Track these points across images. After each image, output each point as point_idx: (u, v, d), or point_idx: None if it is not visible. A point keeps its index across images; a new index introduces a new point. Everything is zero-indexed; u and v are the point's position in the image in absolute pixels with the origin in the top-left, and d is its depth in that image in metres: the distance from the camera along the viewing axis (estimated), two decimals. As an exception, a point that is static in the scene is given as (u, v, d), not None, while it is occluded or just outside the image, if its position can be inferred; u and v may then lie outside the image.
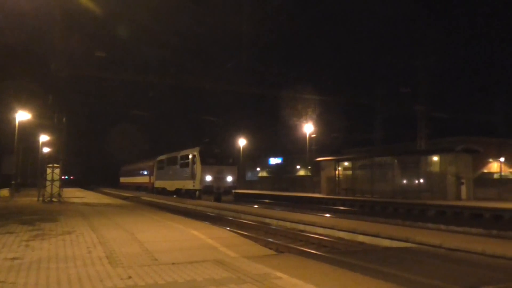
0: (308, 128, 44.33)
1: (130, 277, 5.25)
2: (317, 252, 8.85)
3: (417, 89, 34.61)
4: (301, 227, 13.38)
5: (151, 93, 40.14)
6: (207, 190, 27.10)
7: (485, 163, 49.70)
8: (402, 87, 34.28)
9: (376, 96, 41.08)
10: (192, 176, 28.21)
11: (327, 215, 17.60)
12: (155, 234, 9.41)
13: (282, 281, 5.01)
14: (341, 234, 11.52)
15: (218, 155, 28.33)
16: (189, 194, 29.33)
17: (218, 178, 27.30)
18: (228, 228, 11.82)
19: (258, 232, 12.91)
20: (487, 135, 49.04)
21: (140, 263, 6.16)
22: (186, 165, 29.72)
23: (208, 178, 27.12)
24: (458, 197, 25.02)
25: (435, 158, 27.05)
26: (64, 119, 22.81)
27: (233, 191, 28.57)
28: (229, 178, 27.97)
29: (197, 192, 27.82)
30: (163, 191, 35.98)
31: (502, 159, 48.53)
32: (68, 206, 19.19)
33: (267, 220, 15.38)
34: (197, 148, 28.43)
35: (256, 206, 24.32)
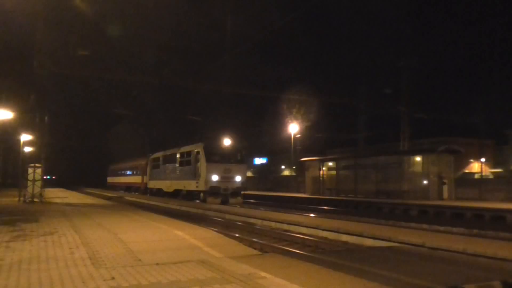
0: (293, 128, 44.48)
1: (113, 278, 5.20)
2: (302, 252, 8.88)
3: (401, 90, 34.98)
4: (286, 227, 13.41)
5: (135, 92, 39.61)
6: (213, 192, 23.87)
7: (466, 163, 50.53)
8: (385, 88, 34.63)
9: (360, 96, 41.41)
10: (195, 176, 24.93)
11: (312, 215, 17.68)
12: (139, 235, 9.34)
13: (266, 281, 5.02)
14: (325, 234, 11.58)
15: (225, 152, 25.04)
16: (191, 196, 26.21)
17: (226, 177, 24.26)
18: (212, 228, 11.79)
19: (243, 232, 12.90)
20: (468, 136, 49.84)
21: (123, 263, 6.11)
22: (188, 163, 26.50)
23: (214, 177, 23.90)
24: (440, 197, 25.37)
25: (418, 159, 27.39)
26: (46, 118, 22.47)
27: (242, 192, 25.35)
28: (238, 178, 24.73)
29: (201, 194, 24.61)
30: (158, 192, 32.77)
31: (482, 160, 49.40)
32: (50, 206, 18.91)
33: (252, 220, 15.38)
34: (201, 144, 25.13)
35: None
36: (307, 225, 12.61)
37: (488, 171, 50.26)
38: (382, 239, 9.70)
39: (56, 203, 21.10)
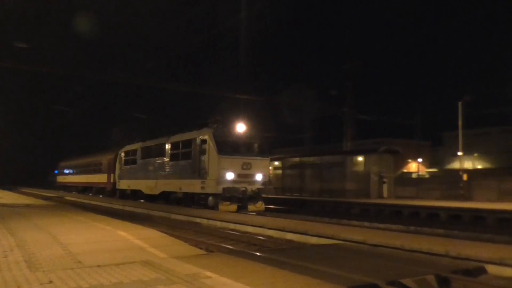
0: (240, 128, 44.52)
1: (51, 281, 4.97)
2: (247, 251, 8.92)
3: (345, 92, 36.00)
4: (231, 226, 13.42)
5: (77, 89, 37.89)
6: (228, 195, 17.87)
7: (404, 163, 52.90)
8: (331, 90, 35.52)
9: (306, 97, 42.23)
10: (199, 173, 18.77)
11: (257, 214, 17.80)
12: (80, 236, 9.00)
13: (212, 281, 5.00)
14: (271, 233, 11.70)
15: (242, 140, 19.20)
16: (190, 200, 20.13)
17: (244, 175, 18.37)
18: (157, 229, 11.58)
19: (188, 232, 12.77)
20: (406, 138, 52.22)
21: (62, 266, 5.86)
22: (186, 156, 20.11)
23: (229, 176, 17.91)
24: (381, 196, 26.41)
25: (360, 158, 28.35)
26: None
27: (262, 195, 19.26)
28: (259, 176, 18.83)
29: (210, 198, 18.57)
30: (133, 195, 26.22)
31: (419, 160, 51.93)
32: (-18, 207, 17.79)
33: (198, 220, 15.26)
34: (208, 130, 18.89)
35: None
36: (253, 224, 12.68)
37: (424, 171, 52.87)
38: (326, 237, 9.94)
39: (-11, 204, 19.88)
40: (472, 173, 30.65)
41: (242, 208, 18.18)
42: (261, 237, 11.27)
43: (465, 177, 25.96)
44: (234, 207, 17.80)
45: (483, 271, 6.65)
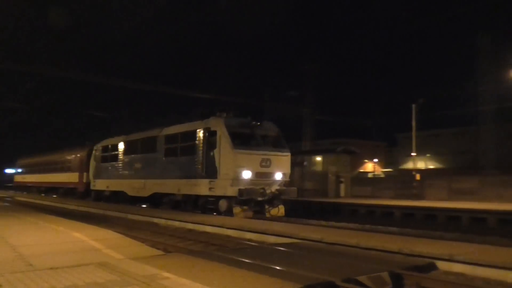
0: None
1: (0, 285, 4.76)
2: (206, 251, 8.87)
3: (304, 93, 36.45)
4: (190, 226, 13.31)
5: (30, 85, 36.20)
6: (246, 198, 14.89)
7: (361, 163, 54.13)
8: (290, 91, 35.87)
9: (266, 98, 42.45)
10: (207, 172, 15.73)
11: (216, 214, 17.73)
12: (31, 237, 8.67)
13: (169, 281, 4.94)
14: (230, 232, 11.69)
15: (259, 132, 16.27)
16: (195, 204, 16.91)
17: (263, 174, 15.48)
18: (114, 229, 11.32)
19: (146, 233, 12.56)
20: (363, 138, 53.49)
21: (12, 269, 5.62)
22: (188, 151, 17.02)
23: (246, 174, 15.01)
24: (338, 195, 26.97)
25: (318, 158, 28.86)
26: None
27: (282, 197, 16.00)
28: (278, 175, 15.86)
29: (223, 202, 15.37)
30: (114, 197, 22.85)
31: (375, 160, 53.39)
32: None
33: (156, 220, 15.04)
34: (219, 119, 15.97)
35: (144, 205, 23.23)
36: (212, 224, 12.64)
37: (380, 171, 54.37)
38: (285, 236, 10.04)
39: None
40: (425, 173, 31.82)
41: (259, 213, 15.39)
42: (220, 237, 11.24)
43: (417, 177, 26.94)
44: (250, 213, 15.07)
45: (433, 267, 6.91)
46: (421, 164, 41.87)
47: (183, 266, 5.89)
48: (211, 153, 15.66)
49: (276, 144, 16.40)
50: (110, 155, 23.59)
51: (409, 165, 40.39)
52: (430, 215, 18.49)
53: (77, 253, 6.96)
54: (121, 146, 22.46)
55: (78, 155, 29.03)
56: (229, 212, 15.08)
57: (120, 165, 22.25)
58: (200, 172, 16.02)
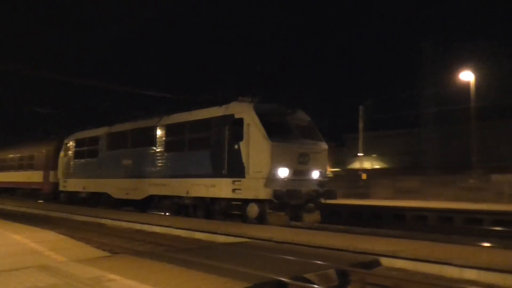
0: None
1: None
2: (154, 251, 8.72)
3: (255, 94, 36.55)
4: (138, 226, 13.04)
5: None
6: (288, 200, 12.17)
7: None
8: (242, 92, 35.81)
9: (218, 99, 42.22)
10: (230, 169, 13.02)
11: (164, 213, 17.45)
12: (-35, 241, 8.17)
13: (115, 283, 4.81)
14: (178, 232, 11.56)
15: (292, 121, 13.61)
16: (208, 209, 14.08)
17: (301, 172, 12.92)
18: (56, 231, 10.88)
19: (91, 234, 12.17)
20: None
21: None
22: (201, 144, 14.19)
23: (283, 172, 12.40)
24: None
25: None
26: None
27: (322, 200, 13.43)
28: (315, 173, 13.33)
29: (253, 206, 12.48)
30: (93, 200, 19.71)
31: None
32: None
33: (102, 221, 14.61)
34: (247, 105, 13.30)
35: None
36: (160, 224, 12.45)
37: (329, 170, 55.52)
38: (235, 236, 10.04)
39: None
40: (371, 172, 32.87)
41: (295, 219, 12.96)
42: (169, 237, 11.09)
43: (364, 176, 27.80)
44: (285, 219, 12.49)
45: (377, 263, 7.16)
46: (367, 164, 43.15)
47: (130, 268, 5.76)
48: (235, 146, 12.87)
49: (311, 136, 13.72)
50: (87, 149, 20.11)
51: (356, 165, 41.58)
52: (376, 213, 19.11)
53: (17, 256, 6.64)
54: (103, 139, 19.04)
55: (43, 150, 24.95)
56: (260, 219, 12.38)
57: (102, 161, 18.86)
58: (220, 169, 13.22)
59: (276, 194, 11.82)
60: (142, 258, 6.76)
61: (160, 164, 15.70)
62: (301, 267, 6.32)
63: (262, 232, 10.01)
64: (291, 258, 7.20)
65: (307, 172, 13.05)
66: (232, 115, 13.24)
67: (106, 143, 18.84)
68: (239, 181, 12.65)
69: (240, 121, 12.91)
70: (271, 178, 12.08)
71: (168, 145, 15.50)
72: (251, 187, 12.33)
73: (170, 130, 15.59)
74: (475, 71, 23.49)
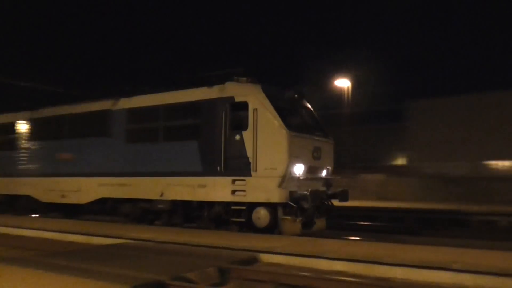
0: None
1: None
2: (20, 257, 7.99)
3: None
4: (2, 230, 11.89)
5: None
6: (309, 204, 9.95)
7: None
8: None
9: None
10: (230, 165, 10.62)
11: (35, 215, 16.11)
12: None
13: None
14: (49, 235, 10.77)
15: (303, 110, 11.85)
16: (189, 216, 11.73)
17: (314, 170, 10.92)
18: None
19: None
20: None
21: None
22: (189, 132, 11.54)
23: (299, 169, 10.29)
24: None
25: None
26: None
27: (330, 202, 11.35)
28: (325, 171, 11.44)
29: (263, 212, 10.02)
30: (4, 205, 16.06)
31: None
32: None
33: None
34: (253, 87, 10.72)
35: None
36: (29, 227, 11.50)
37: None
38: (113, 237, 9.66)
39: None
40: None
41: (307, 226, 10.66)
42: (38, 241, 10.27)
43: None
44: (298, 225, 10.19)
45: (256, 259, 7.44)
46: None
47: (-9, 276, 5.21)
48: (236, 137, 10.52)
49: (317, 126, 11.75)
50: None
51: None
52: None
53: None
54: (22, 126, 15.47)
55: None
56: (272, 227, 10.09)
57: (22, 155, 15.30)
58: (214, 166, 10.71)
59: (293, 196, 9.78)
60: (5, 264, 6.16)
61: (116, 159, 12.73)
62: (183, 266, 6.31)
63: (142, 233, 9.78)
64: (172, 258, 7.15)
65: (320, 169, 11.18)
66: (230, 98, 10.74)
67: (27, 132, 15.34)
68: (243, 180, 10.28)
69: (242, 106, 10.51)
70: (287, 177, 9.93)
71: (130, 135, 12.60)
72: (261, 188, 10.02)
73: (132, 115, 12.64)
74: (351, 78, 25.72)
